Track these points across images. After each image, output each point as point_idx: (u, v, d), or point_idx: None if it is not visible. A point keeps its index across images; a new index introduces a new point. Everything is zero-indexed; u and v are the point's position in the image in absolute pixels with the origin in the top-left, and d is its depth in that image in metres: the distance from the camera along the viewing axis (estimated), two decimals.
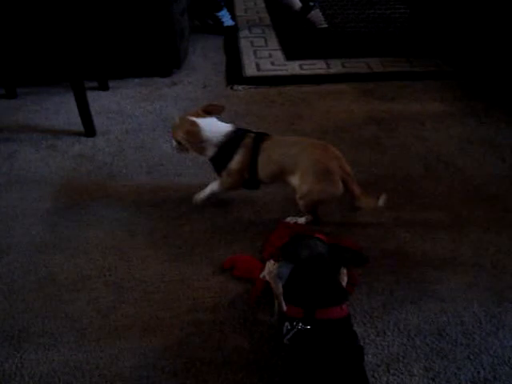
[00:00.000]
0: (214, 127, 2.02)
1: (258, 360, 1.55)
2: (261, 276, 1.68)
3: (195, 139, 1.99)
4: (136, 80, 3.39)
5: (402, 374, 1.52)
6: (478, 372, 1.52)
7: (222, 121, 2.07)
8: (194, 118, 2.00)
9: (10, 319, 1.71)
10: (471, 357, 1.57)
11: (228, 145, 1.99)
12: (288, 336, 1.39)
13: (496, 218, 2.15)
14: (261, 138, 1.99)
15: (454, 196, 2.28)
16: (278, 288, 1.49)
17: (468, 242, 2.02)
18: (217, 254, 1.95)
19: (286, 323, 1.40)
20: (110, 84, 3.29)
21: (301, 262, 1.48)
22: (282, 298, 1.47)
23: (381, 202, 1.89)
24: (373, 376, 1.49)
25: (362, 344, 1.44)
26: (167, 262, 1.93)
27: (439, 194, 2.30)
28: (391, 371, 1.52)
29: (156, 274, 1.88)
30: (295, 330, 1.37)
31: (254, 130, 2.06)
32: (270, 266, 1.58)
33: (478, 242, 2.02)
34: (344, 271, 1.60)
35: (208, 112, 2.03)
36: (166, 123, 2.86)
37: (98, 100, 3.09)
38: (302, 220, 2.05)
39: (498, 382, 1.49)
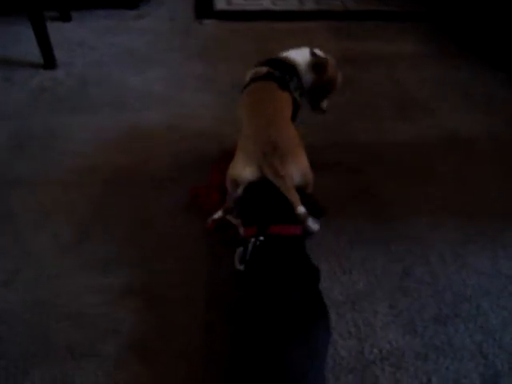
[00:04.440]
0: None
1: (221, 295, 1.52)
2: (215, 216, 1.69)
3: None
4: (101, 11, 3.23)
5: (366, 311, 1.51)
6: (440, 309, 1.53)
7: None
8: None
9: None
10: (435, 295, 1.57)
11: None
12: (245, 255, 1.35)
13: (467, 162, 2.14)
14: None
15: (427, 138, 2.26)
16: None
17: (437, 184, 2.01)
18: (182, 191, 1.88)
19: (239, 248, 1.38)
20: (73, 15, 3.13)
21: (255, 184, 1.47)
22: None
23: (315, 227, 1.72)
24: (337, 313, 1.48)
25: (318, 266, 1.42)
26: (132, 198, 1.87)
27: (411, 135, 2.28)
28: (356, 308, 1.52)
29: (120, 210, 1.82)
30: (249, 245, 1.34)
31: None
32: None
33: (446, 185, 2.01)
34: None
35: None
36: (130, 57, 2.74)
37: (59, 31, 2.93)
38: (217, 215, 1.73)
39: (459, 319, 1.50)
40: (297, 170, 1.48)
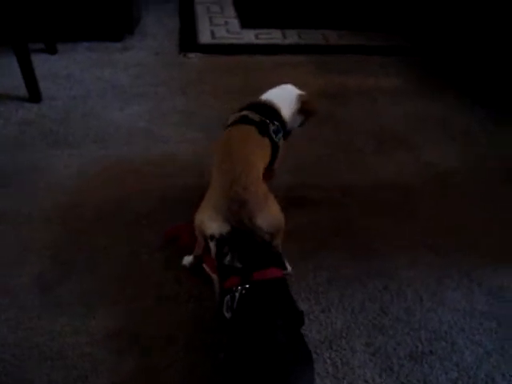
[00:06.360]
0: None
1: (202, 336, 1.54)
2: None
3: None
4: (86, 44, 3.26)
5: (344, 350, 1.54)
6: (417, 347, 1.57)
7: None
8: None
9: None
10: (411, 332, 1.61)
11: None
12: (233, 304, 1.37)
13: (444, 196, 2.21)
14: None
15: (405, 173, 2.32)
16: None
17: (415, 220, 2.06)
18: (164, 226, 1.91)
19: (227, 296, 1.39)
20: (59, 47, 3.16)
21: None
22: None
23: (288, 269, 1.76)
24: (315, 352, 1.51)
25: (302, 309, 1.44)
26: (113, 235, 1.88)
27: (390, 170, 2.33)
28: (334, 347, 1.55)
29: (101, 247, 1.83)
30: (236, 294, 1.36)
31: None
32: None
33: (424, 221, 2.06)
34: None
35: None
36: (115, 91, 2.78)
37: (44, 64, 2.96)
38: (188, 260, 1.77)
39: (434, 356, 1.54)
40: (266, 223, 1.50)
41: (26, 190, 2.07)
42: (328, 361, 1.51)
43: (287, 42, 3.47)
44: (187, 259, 1.75)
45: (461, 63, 3.23)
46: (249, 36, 3.50)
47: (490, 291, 1.78)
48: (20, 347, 1.49)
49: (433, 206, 2.15)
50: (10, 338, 1.51)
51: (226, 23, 3.67)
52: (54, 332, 1.53)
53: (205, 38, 3.43)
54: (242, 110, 1.82)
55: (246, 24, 3.66)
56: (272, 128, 1.76)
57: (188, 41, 3.37)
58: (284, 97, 1.89)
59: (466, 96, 2.98)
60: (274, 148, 1.78)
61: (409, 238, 1.97)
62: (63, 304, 1.62)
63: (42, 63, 2.91)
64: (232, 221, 1.46)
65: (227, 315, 1.35)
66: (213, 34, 3.50)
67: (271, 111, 1.81)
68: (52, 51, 3.12)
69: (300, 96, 1.91)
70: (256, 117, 1.75)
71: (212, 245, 1.52)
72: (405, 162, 2.40)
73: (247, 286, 1.36)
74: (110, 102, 2.69)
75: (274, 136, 1.76)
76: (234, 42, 3.41)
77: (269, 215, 1.52)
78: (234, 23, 3.68)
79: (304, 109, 1.90)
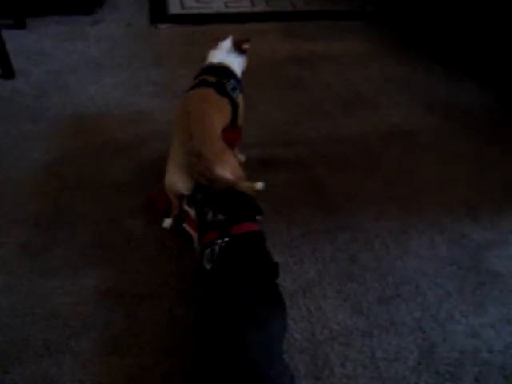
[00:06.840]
0: None
1: (184, 292, 1.65)
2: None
3: None
4: (55, 18, 3.27)
5: (317, 297, 1.67)
6: (384, 291, 1.70)
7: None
8: None
9: None
10: (378, 279, 1.74)
11: None
12: (213, 256, 1.46)
13: (407, 154, 2.33)
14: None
15: (370, 133, 2.43)
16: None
17: (380, 176, 2.18)
18: (143, 193, 1.99)
19: (207, 249, 1.48)
20: (27, 22, 3.16)
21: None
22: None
23: (259, 185, 1.91)
24: (290, 300, 1.63)
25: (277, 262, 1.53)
26: (95, 203, 1.97)
27: (357, 131, 2.45)
28: (307, 295, 1.67)
29: (83, 215, 1.92)
30: (216, 247, 1.45)
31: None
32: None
33: (388, 176, 2.19)
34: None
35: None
36: (88, 64, 2.81)
37: (14, 39, 2.96)
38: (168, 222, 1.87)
39: (400, 299, 1.68)
40: (226, 171, 1.59)
41: (6, 164, 2.13)
42: (303, 307, 1.63)
43: (256, 9, 3.52)
44: (167, 222, 1.84)
45: (424, 26, 3.32)
46: (218, 5, 3.53)
47: (452, 239, 1.92)
48: (14, 310, 1.57)
49: (396, 163, 2.27)
50: (3, 302, 1.60)
51: None
52: (45, 294, 1.62)
53: (174, 8, 3.46)
54: (199, 75, 1.91)
55: None
56: (229, 87, 1.85)
57: (158, 12, 3.39)
58: (227, 52, 2.00)
59: (429, 57, 3.10)
60: (234, 106, 1.87)
61: (374, 192, 2.10)
62: (51, 268, 1.71)
63: (11, 39, 2.89)
64: (194, 175, 1.56)
65: (208, 267, 1.46)
66: (182, 4, 3.52)
67: (225, 71, 1.91)
68: (20, 26, 3.12)
69: (231, 40, 2.03)
70: (212, 79, 1.84)
71: (188, 207, 1.62)
72: (370, 122, 2.51)
73: (226, 239, 1.47)
74: (84, 75, 2.73)
75: (231, 94, 1.85)
76: (204, 11, 3.45)
77: (227, 164, 1.61)
78: None
79: (239, 47, 2.01)
